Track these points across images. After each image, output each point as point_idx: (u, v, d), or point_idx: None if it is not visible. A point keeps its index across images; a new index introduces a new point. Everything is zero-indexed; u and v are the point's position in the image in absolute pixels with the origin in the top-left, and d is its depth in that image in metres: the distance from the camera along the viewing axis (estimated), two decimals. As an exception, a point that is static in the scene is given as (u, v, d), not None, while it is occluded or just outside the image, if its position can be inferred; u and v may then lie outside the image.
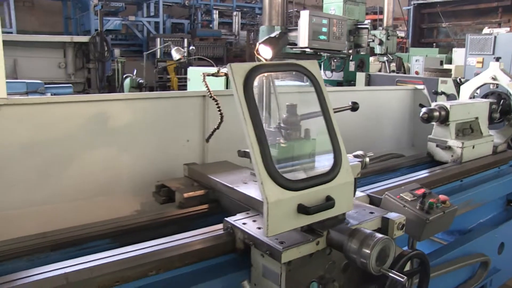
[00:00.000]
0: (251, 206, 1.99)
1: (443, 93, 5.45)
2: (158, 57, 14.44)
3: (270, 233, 1.53)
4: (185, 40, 15.35)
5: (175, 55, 7.73)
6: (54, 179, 2.45)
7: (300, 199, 1.57)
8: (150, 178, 2.63)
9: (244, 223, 1.82)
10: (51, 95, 5.52)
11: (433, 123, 3.37)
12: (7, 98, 2.27)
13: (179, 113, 2.84)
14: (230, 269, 1.80)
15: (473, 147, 3.35)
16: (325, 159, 1.77)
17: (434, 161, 3.41)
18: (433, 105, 3.39)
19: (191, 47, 12.56)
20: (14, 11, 14.40)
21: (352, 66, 8.77)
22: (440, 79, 5.71)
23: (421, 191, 2.18)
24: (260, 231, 1.74)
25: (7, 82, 2.29)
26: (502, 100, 3.80)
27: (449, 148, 3.32)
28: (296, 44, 4.18)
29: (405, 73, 10.34)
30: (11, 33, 13.03)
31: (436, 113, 3.27)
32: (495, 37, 8.76)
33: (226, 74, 2.31)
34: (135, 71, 9.90)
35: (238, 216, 1.90)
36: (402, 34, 15.61)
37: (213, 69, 2.86)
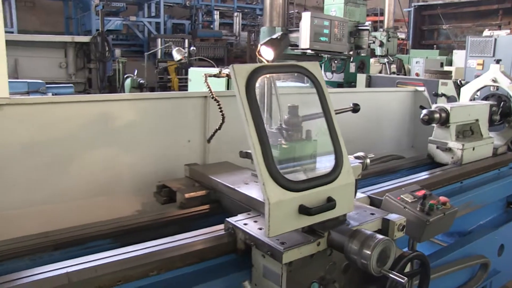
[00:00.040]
0: (252, 207, 2.00)
1: (443, 95, 5.47)
2: (159, 57, 14.47)
3: (272, 233, 1.54)
4: (186, 41, 15.39)
5: (176, 55, 7.75)
6: (56, 179, 2.46)
7: (301, 200, 1.58)
8: (151, 178, 2.63)
9: (245, 224, 1.83)
10: (52, 95, 5.53)
11: (434, 125, 3.38)
12: (9, 97, 2.28)
13: (181, 113, 2.84)
14: (231, 270, 1.81)
15: (473, 149, 3.36)
16: (326, 160, 1.78)
17: (435, 163, 3.42)
18: (433, 107, 3.40)
19: (191, 48, 12.58)
20: (15, 10, 14.43)
21: (352, 67, 8.78)
22: (441, 81, 5.74)
23: (421, 193, 2.18)
24: (261, 232, 1.74)
25: (8, 81, 2.30)
26: (502, 102, 3.82)
27: (449, 150, 3.33)
28: (297, 45, 4.19)
29: (405, 74, 10.35)
30: (12, 32, 13.06)
31: (437, 115, 3.27)
32: (496, 39, 8.78)
33: (227, 75, 2.32)
34: (136, 71, 9.91)
35: (239, 216, 1.91)
36: (403, 36, 15.62)
37: (215, 70, 2.87)
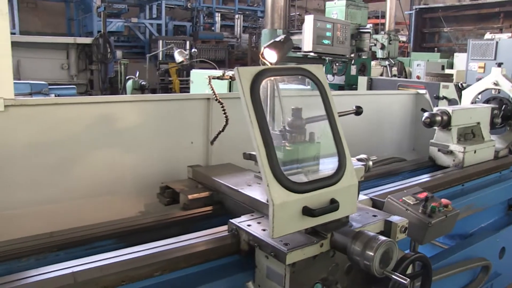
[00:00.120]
0: (255, 208, 2.01)
1: (444, 97, 5.47)
2: (160, 59, 14.50)
3: (276, 234, 1.55)
4: (187, 43, 15.42)
5: (178, 57, 7.76)
6: (59, 179, 2.47)
7: (305, 202, 1.59)
8: (154, 179, 2.65)
9: (248, 225, 1.84)
10: (55, 96, 5.55)
11: (435, 127, 3.39)
12: (14, 98, 2.30)
13: (184, 115, 2.86)
14: (235, 270, 1.82)
15: (475, 152, 3.37)
16: (329, 162, 1.79)
17: (436, 166, 3.43)
18: (435, 109, 3.41)
19: (193, 50, 12.59)
20: (17, 11, 14.47)
21: (353, 70, 8.80)
22: (442, 83, 5.73)
23: (423, 195, 2.20)
24: (264, 233, 1.76)
25: (11, 83, 2.32)
26: (503, 106, 3.83)
27: (450, 152, 3.34)
28: (299, 48, 4.21)
29: (406, 77, 10.36)
30: (14, 34, 13.08)
31: (438, 118, 3.29)
32: (497, 42, 8.78)
33: (231, 78, 2.34)
34: (138, 73, 9.93)
35: (243, 218, 1.92)
36: (404, 39, 15.67)
37: (217, 72, 2.89)
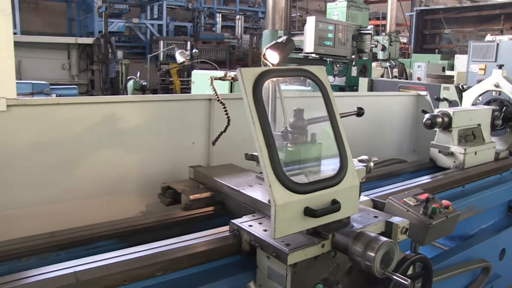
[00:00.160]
0: (257, 209, 2.02)
1: (445, 99, 5.48)
2: (161, 59, 14.52)
3: (278, 235, 1.56)
4: (188, 43, 15.44)
5: (179, 58, 7.78)
6: (61, 179, 2.48)
7: (307, 202, 1.60)
8: (155, 179, 2.65)
9: (250, 225, 1.85)
10: (56, 96, 5.56)
11: (436, 129, 3.40)
12: (17, 98, 2.31)
13: (185, 116, 2.86)
14: (236, 271, 1.83)
15: (475, 153, 3.38)
16: (330, 163, 1.80)
17: (437, 167, 3.43)
18: (436, 111, 3.42)
19: (194, 50, 12.62)
20: (18, 11, 14.49)
21: (354, 71, 8.82)
22: (443, 85, 5.74)
23: (424, 196, 2.20)
24: (266, 233, 1.76)
25: (12, 83, 2.33)
26: (504, 107, 3.84)
27: (451, 154, 3.35)
28: (300, 49, 4.22)
29: (407, 79, 10.38)
30: (15, 33, 13.10)
31: (439, 119, 3.30)
32: (498, 44, 8.79)
33: (233, 78, 2.34)
34: (139, 73, 9.95)
35: (244, 218, 1.93)
36: (405, 40, 15.68)
37: (219, 73, 2.90)
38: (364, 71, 9.02)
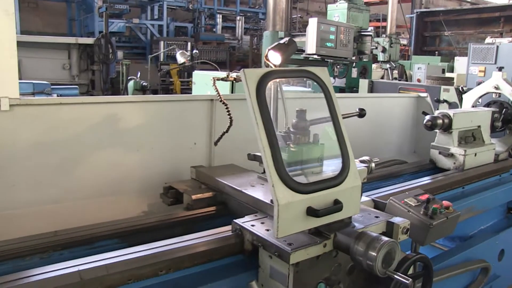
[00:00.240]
0: (259, 209, 2.03)
1: (445, 101, 5.51)
2: (162, 60, 14.54)
3: (280, 234, 1.57)
4: (189, 44, 15.46)
5: (180, 58, 7.80)
6: (63, 179, 2.48)
7: (309, 202, 1.62)
8: (157, 180, 2.66)
9: (252, 225, 1.86)
10: (57, 96, 5.57)
11: (436, 130, 3.42)
12: (19, 98, 2.32)
13: (187, 116, 2.87)
14: (238, 270, 1.84)
15: (475, 155, 3.39)
16: (332, 164, 1.82)
17: (437, 168, 3.45)
18: (436, 113, 3.44)
19: (194, 51, 12.65)
20: (18, 11, 14.50)
21: (354, 72, 8.84)
22: (443, 87, 5.78)
23: (425, 197, 2.22)
24: (268, 233, 1.78)
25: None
26: (504, 109, 3.86)
27: (451, 155, 3.36)
28: (300, 51, 4.24)
29: (407, 80, 10.42)
30: (16, 33, 13.09)
31: (440, 121, 3.32)
32: (498, 46, 8.82)
33: (235, 79, 2.36)
34: (139, 73, 9.96)
35: (247, 218, 1.94)
36: (405, 42, 15.72)
37: (221, 74, 2.91)
38: (364, 72, 9.04)
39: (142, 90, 9.30)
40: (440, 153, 3.43)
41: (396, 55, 8.40)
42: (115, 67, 11.15)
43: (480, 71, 8.79)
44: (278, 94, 2.08)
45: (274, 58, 2.11)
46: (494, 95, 3.95)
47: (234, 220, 1.92)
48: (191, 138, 2.90)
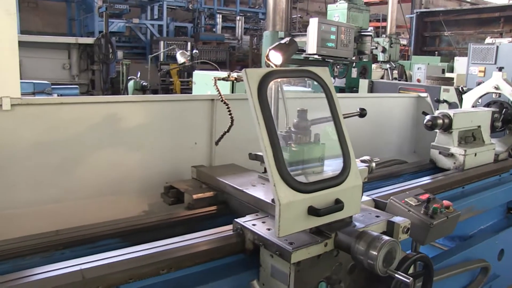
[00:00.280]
0: (260, 208, 2.04)
1: (445, 101, 5.52)
2: (161, 60, 14.54)
3: (282, 233, 1.58)
4: (188, 44, 15.46)
5: (180, 58, 7.80)
6: (64, 178, 2.49)
7: (310, 201, 1.62)
8: (157, 179, 2.66)
9: (253, 224, 1.87)
10: (58, 95, 5.58)
11: (436, 130, 3.43)
12: (21, 98, 2.32)
13: (188, 116, 2.88)
14: (239, 269, 1.85)
15: (475, 155, 3.40)
16: (333, 163, 1.83)
17: (437, 168, 3.46)
18: (436, 113, 3.44)
19: (194, 51, 12.65)
20: (18, 11, 14.50)
21: (354, 72, 8.85)
22: (443, 87, 5.79)
23: (425, 197, 2.23)
24: (269, 232, 1.78)
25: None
26: (504, 109, 3.87)
27: (451, 155, 3.37)
28: (301, 51, 4.24)
29: (406, 80, 10.43)
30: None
31: (440, 121, 3.32)
32: (498, 46, 8.84)
33: (236, 79, 2.36)
34: (139, 73, 9.97)
35: (248, 217, 1.94)
36: (404, 42, 15.74)
37: (222, 73, 2.91)
38: (364, 72, 9.05)
39: (142, 90, 9.29)
40: (440, 153, 3.44)
41: (396, 55, 8.41)
42: (115, 67, 11.15)
43: (480, 71, 8.81)
44: (278, 94, 2.09)
45: (275, 58, 2.12)
46: (494, 95, 3.96)
47: (235, 220, 1.92)
48: (191, 138, 2.91)
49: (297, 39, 4.50)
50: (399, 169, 3.43)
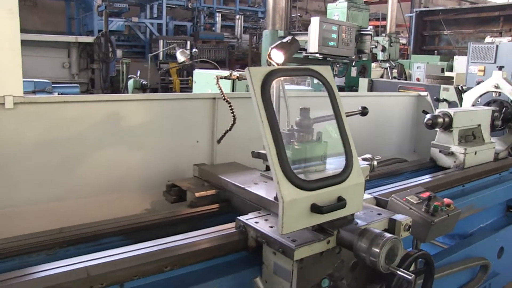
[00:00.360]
0: (262, 206, 2.05)
1: (445, 100, 5.54)
2: (161, 59, 14.55)
3: (285, 231, 1.59)
4: (188, 43, 15.47)
5: (180, 57, 7.81)
6: (66, 177, 2.50)
7: (313, 199, 1.63)
8: (159, 178, 2.67)
9: (256, 222, 1.88)
10: (58, 94, 5.58)
11: (437, 129, 3.44)
12: (23, 96, 2.33)
13: (189, 114, 2.89)
14: (242, 267, 1.86)
15: (475, 153, 3.42)
16: (335, 161, 1.84)
17: (437, 167, 3.47)
18: (437, 111, 3.46)
19: (193, 50, 12.66)
20: (17, 10, 14.46)
21: (354, 71, 8.86)
22: (442, 86, 5.80)
23: (426, 195, 2.24)
24: (272, 230, 1.80)
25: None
26: (504, 108, 3.89)
27: (452, 154, 3.39)
28: (302, 49, 4.25)
29: (406, 79, 10.44)
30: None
31: (440, 120, 3.34)
32: (497, 46, 8.86)
33: (237, 78, 2.37)
34: (139, 72, 9.97)
35: (250, 215, 1.96)
36: (404, 41, 15.74)
37: (223, 72, 2.92)
38: (364, 71, 9.07)
39: (142, 89, 9.31)
40: (440, 151, 3.46)
41: (396, 54, 8.43)
42: (115, 65, 11.15)
43: (479, 70, 8.83)
44: (280, 93, 2.10)
45: (277, 57, 2.13)
46: (494, 94, 3.98)
47: (238, 217, 1.94)
48: (193, 136, 2.92)
49: (296, 38, 4.51)
50: (400, 167, 3.45)
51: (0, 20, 2.18)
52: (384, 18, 13.09)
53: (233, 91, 4.74)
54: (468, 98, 4.03)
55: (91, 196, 2.55)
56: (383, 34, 8.71)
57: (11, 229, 1.98)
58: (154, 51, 15.08)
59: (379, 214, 1.98)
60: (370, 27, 7.22)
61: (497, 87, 3.86)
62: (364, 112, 2.40)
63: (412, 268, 1.90)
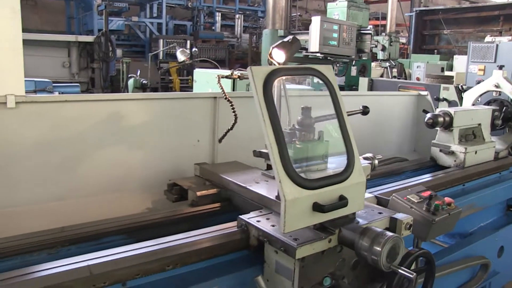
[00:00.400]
0: (264, 205, 2.05)
1: (445, 99, 5.54)
2: (161, 58, 14.55)
3: (287, 229, 1.60)
4: (188, 42, 15.47)
5: (180, 56, 7.81)
6: (67, 176, 2.50)
7: (315, 198, 1.64)
8: (160, 177, 2.68)
9: (258, 221, 1.88)
10: (59, 93, 5.58)
11: (437, 128, 3.45)
12: (25, 95, 2.33)
13: (191, 113, 2.90)
14: (244, 265, 1.86)
15: (476, 152, 3.42)
16: (336, 160, 1.85)
17: (437, 166, 3.48)
18: (437, 111, 3.46)
19: (194, 49, 12.66)
20: (18, 9, 14.44)
21: (354, 71, 8.86)
22: (442, 85, 5.80)
23: (427, 194, 2.25)
24: (273, 228, 1.80)
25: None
26: (504, 108, 3.89)
27: (452, 153, 3.39)
28: (303, 49, 4.25)
29: (406, 79, 10.44)
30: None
31: (441, 119, 3.34)
32: (497, 45, 8.86)
33: (239, 77, 2.38)
34: (139, 71, 9.97)
35: (252, 214, 1.96)
36: (404, 40, 15.74)
37: (224, 72, 2.92)
38: (364, 71, 9.08)
39: (142, 88, 9.31)
40: (441, 150, 3.46)
41: (395, 53, 8.41)
42: (115, 65, 11.15)
43: (479, 69, 8.83)
44: (281, 92, 2.10)
45: (278, 56, 2.13)
46: (494, 94, 3.98)
47: (240, 216, 1.94)
48: (194, 135, 2.92)
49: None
50: (400, 166, 3.46)
51: (2, 19, 2.18)
52: (384, 18, 13.09)
53: (233, 90, 4.75)
54: (468, 97, 4.04)
55: (92, 196, 2.55)
56: (383, 34, 8.70)
57: (12, 229, 1.98)
58: (154, 50, 15.08)
59: (380, 213, 1.98)
60: (370, 27, 7.22)
61: (497, 86, 3.86)
62: (365, 111, 2.41)
63: (413, 267, 1.91)
